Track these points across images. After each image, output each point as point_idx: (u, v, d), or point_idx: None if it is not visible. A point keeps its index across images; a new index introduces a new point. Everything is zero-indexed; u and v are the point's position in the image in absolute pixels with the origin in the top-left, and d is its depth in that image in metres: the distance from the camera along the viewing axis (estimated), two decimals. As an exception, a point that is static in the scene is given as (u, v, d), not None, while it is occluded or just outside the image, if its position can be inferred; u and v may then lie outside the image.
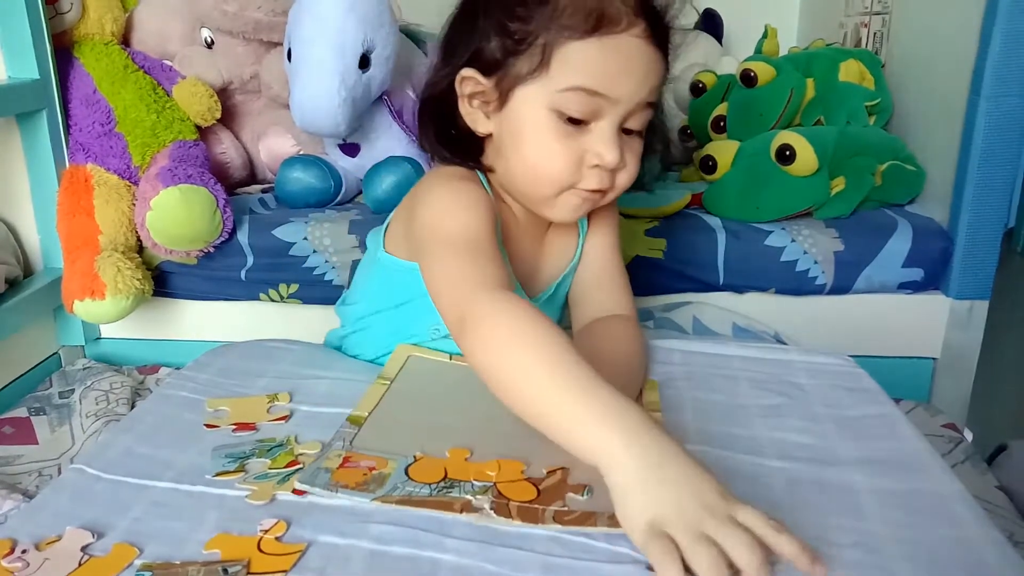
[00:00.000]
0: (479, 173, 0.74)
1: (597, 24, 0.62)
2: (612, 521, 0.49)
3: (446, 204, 0.69)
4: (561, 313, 0.84)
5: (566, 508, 0.51)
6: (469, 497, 0.52)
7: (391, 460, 0.56)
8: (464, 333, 0.58)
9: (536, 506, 0.52)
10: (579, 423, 0.50)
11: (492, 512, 0.50)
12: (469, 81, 0.69)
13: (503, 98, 0.67)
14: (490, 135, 0.71)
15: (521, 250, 0.76)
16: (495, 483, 0.54)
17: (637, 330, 0.75)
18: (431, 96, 0.73)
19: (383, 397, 0.66)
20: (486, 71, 0.67)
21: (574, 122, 0.65)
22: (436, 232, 0.68)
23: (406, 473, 0.54)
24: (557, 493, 0.53)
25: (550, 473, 0.55)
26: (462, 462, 0.56)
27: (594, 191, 0.68)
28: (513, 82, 0.66)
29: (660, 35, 0.66)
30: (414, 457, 0.56)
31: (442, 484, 0.53)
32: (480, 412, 0.61)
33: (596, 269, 0.80)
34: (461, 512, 0.50)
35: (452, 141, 0.73)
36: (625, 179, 0.69)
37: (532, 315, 0.57)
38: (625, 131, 0.67)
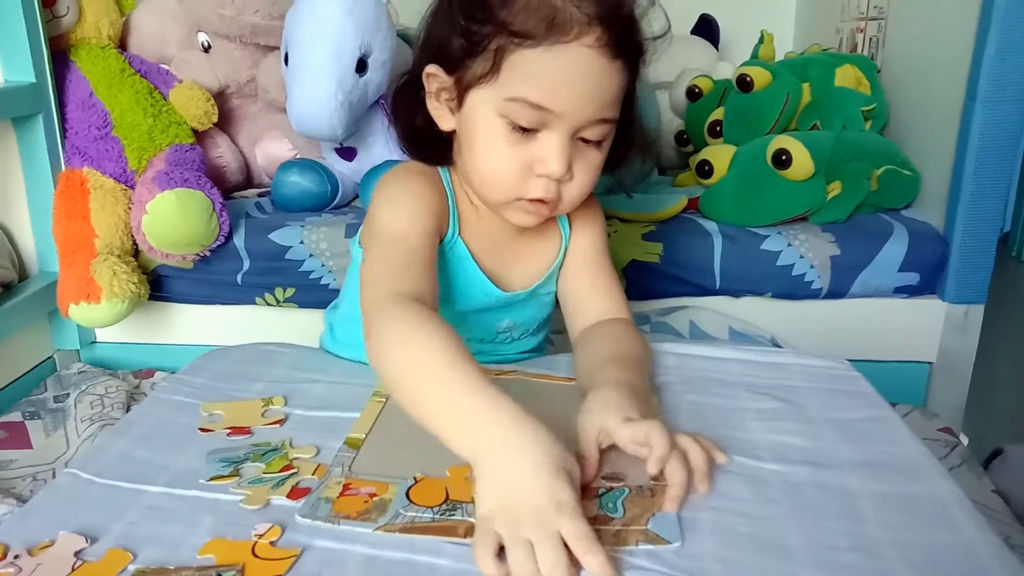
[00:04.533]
0: (443, 169, 0.75)
1: (546, 32, 0.61)
2: (615, 539, 0.49)
3: (387, 202, 0.71)
4: (550, 312, 0.83)
5: None
6: (472, 520, 0.51)
7: (392, 484, 0.55)
8: (366, 340, 0.61)
9: None
10: (454, 428, 0.54)
11: None
12: (434, 77, 0.68)
13: (460, 98, 0.67)
14: (454, 131, 0.71)
15: (489, 245, 0.76)
16: None
17: (637, 332, 0.75)
18: (401, 87, 0.74)
19: (379, 416, 0.65)
20: (449, 69, 0.67)
21: (524, 130, 0.64)
22: (373, 227, 0.70)
23: (407, 497, 0.53)
24: None
25: None
26: (463, 480, 0.55)
27: (539, 201, 0.67)
28: (469, 83, 0.66)
29: (621, 44, 0.62)
30: (414, 479, 0.55)
31: (444, 507, 0.52)
32: None
33: (587, 273, 0.79)
34: (464, 536, 0.49)
35: (417, 134, 0.73)
36: (575, 191, 0.68)
37: (421, 321, 0.59)
38: (583, 140, 0.66)
